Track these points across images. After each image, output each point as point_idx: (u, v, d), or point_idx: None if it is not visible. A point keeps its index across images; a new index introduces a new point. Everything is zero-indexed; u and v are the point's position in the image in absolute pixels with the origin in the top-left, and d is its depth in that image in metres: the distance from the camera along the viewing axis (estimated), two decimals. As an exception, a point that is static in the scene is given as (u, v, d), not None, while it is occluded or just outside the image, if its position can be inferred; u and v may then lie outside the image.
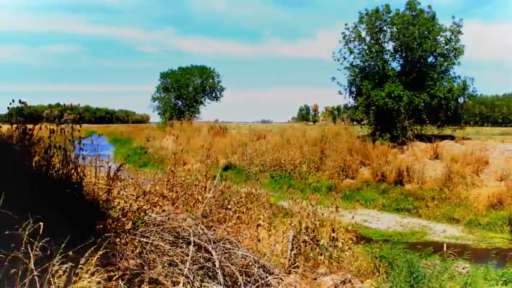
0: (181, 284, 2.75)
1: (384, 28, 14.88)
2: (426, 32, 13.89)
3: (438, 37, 14.17)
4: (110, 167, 3.44)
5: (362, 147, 13.85)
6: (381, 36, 14.90)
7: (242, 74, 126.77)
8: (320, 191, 10.82)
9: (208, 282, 2.91)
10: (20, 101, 2.99)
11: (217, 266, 3.00)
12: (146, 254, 2.95)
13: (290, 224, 4.81)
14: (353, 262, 4.54)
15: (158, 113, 28.09)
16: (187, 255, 2.96)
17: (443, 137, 14.13)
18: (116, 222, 3.09)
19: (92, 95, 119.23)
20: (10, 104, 3.04)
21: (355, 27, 15.18)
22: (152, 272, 2.74)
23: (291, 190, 7.09)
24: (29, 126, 3.04)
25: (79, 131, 3.24)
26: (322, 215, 5.24)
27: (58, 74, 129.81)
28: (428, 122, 14.50)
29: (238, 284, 3.03)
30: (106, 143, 27.36)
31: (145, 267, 2.76)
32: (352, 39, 15.18)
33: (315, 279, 3.89)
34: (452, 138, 14.09)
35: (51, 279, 2.13)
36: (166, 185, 4.57)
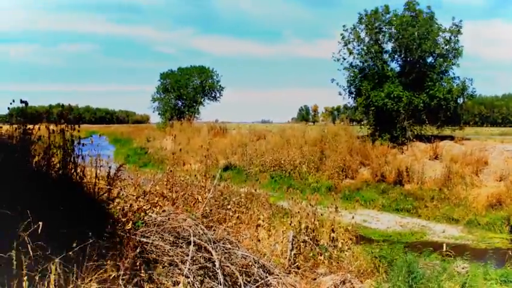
0: (181, 284, 2.76)
1: (384, 29, 14.91)
2: (425, 33, 13.92)
3: (438, 38, 14.20)
4: (110, 167, 3.45)
5: (362, 148, 13.87)
6: (380, 36, 14.93)
7: (258, 74, 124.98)
8: (319, 191, 10.82)
9: (208, 282, 2.91)
10: (21, 100, 2.99)
11: (217, 266, 3.01)
12: (147, 254, 2.96)
13: (290, 224, 4.81)
14: (352, 262, 4.55)
15: (159, 114, 28.15)
16: (187, 255, 2.97)
17: (443, 138, 14.16)
18: (116, 223, 3.09)
19: (99, 95, 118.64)
20: (10, 104, 3.04)
21: (354, 28, 15.22)
22: (153, 272, 2.74)
23: (291, 190, 7.10)
24: (29, 126, 3.04)
25: (78, 131, 3.24)
26: (322, 215, 5.25)
27: (69, 74, 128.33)
28: (427, 122, 14.52)
29: (238, 284, 3.04)
30: (106, 143, 27.40)
31: (145, 267, 2.76)
32: (351, 39, 15.22)
33: (315, 279, 3.89)
34: (451, 138, 14.11)
35: (51, 280, 2.13)
36: (166, 185, 4.57)
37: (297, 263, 4.23)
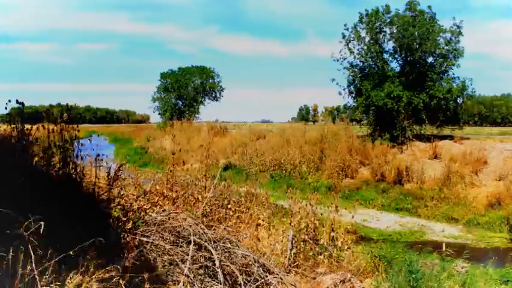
0: (181, 283, 2.76)
1: (384, 29, 14.91)
2: (426, 33, 13.92)
3: (438, 38, 14.20)
4: (110, 167, 3.45)
5: (362, 147, 13.88)
6: (381, 36, 14.94)
7: (275, 73, 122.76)
8: (319, 191, 10.83)
9: (208, 282, 2.92)
10: (17, 101, 2.99)
11: (217, 265, 3.01)
12: (147, 253, 2.96)
13: (290, 224, 4.82)
14: (352, 261, 4.56)
15: (159, 113, 28.14)
16: (188, 255, 2.97)
17: (442, 137, 14.17)
18: (116, 222, 3.09)
19: (105, 95, 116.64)
20: (7, 104, 3.04)
21: (354, 27, 15.22)
22: (153, 271, 2.75)
23: (291, 190, 7.10)
24: (28, 126, 3.04)
25: (78, 130, 3.24)
26: (322, 214, 5.25)
27: (80, 74, 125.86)
28: (427, 122, 14.54)
29: (238, 283, 3.04)
30: (106, 142, 27.40)
31: (146, 267, 2.76)
32: (352, 39, 15.22)
33: (315, 278, 3.90)
34: (451, 138, 14.13)
35: (51, 279, 2.13)
36: (167, 184, 4.57)
37: (296, 262, 4.24)
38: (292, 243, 4.30)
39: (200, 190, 4.76)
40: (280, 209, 7.29)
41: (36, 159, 3.03)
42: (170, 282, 2.79)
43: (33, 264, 2.08)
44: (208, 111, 49.70)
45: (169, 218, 3.42)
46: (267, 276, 3.31)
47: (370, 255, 5.13)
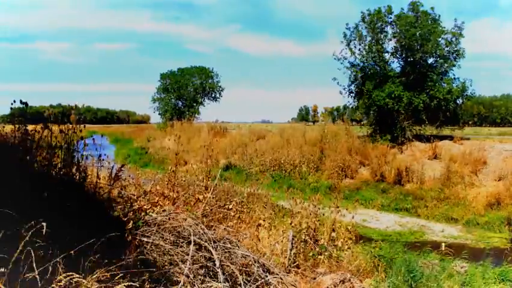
0: (181, 283, 2.78)
1: (386, 29, 14.94)
2: (427, 34, 13.94)
3: (440, 39, 14.23)
4: (111, 167, 3.46)
5: (361, 148, 13.90)
6: (382, 36, 14.96)
7: (285, 73, 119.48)
8: (319, 191, 10.85)
9: (208, 282, 2.94)
10: (21, 101, 3.01)
11: (217, 265, 3.03)
12: (147, 253, 2.98)
13: (290, 224, 4.83)
14: (352, 261, 4.57)
15: (159, 114, 28.18)
16: (188, 255, 2.99)
17: (442, 137, 14.20)
18: (117, 222, 3.11)
19: (107, 95, 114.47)
20: (12, 104, 3.06)
21: (356, 27, 15.24)
22: (153, 271, 2.76)
23: (291, 190, 7.13)
24: (32, 126, 3.06)
25: (81, 131, 3.26)
26: (323, 214, 5.27)
27: (91, 73, 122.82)
28: (427, 122, 14.56)
29: (238, 283, 3.06)
30: (107, 143, 27.39)
31: (146, 267, 2.78)
32: (353, 38, 15.25)
33: (315, 278, 3.92)
34: (450, 138, 14.15)
35: (53, 280, 2.15)
36: (167, 184, 4.59)
37: (297, 262, 4.25)
38: (292, 243, 4.31)
39: (200, 190, 4.77)
40: (281, 209, 7.30)
41: (38, 159, 3.05)
42: (170, 282, 2.80)
43: (35, 265, 2.09)
44: (208, 112, 49.73)
45: (169, 218, 3.44)
46: (267, 276, 3.32)
47: (370, 255, 5.14)
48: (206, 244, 3.17)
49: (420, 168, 12.21)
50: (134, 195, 3.73)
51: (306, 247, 4.63)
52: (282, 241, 4.45)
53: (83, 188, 3.15)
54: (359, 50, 15.15)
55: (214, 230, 3.70)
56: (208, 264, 3.05)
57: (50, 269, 2.16)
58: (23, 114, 3.06)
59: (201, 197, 4.45)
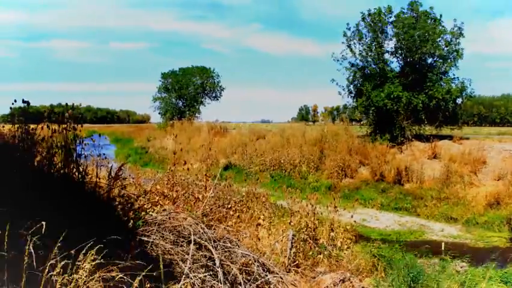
0: (181, 283, 2.78)
1: (386, 29, 14.94)
2: (426, 34, 13.95)
3: (439, 39, 14.23)
4: (111, 167, 3.47)
5: (361, 147, 13.91)
6: (382, 37, 14.97)
7: (299, 73, 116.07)
8: (319, 191, 10.87)
9: (208, 281, 2.94)
10: (23, 100, 3.02)
11: (218, 264, 3.04)
12: (148, 252, 2.98)
13: (290, 223, 4.84)
14: (351, 261, 4.58)
15: (159, 113, 28.18)
16: (188, 254, 2.99)
17: (442, 137, 14.20)
18: (117, 221, 3.11)
19: (107, 95, 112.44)
20: (12, 104, 3.07)
21: (356, 27, 15.25)
22: (154, 270, 2.77)
23: (291, 190, 7.13)
24: (32, 126, 3.06)
25: (80, 130, 3.27)
26: (321, 214, 5.28)
27: (100, 73, 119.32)
28: (426, 122, 14.57)
29: (238, 282, 3.06)
30: (107, 142, 27.41)
31: (146, 266, 2.78)
32: (353, 38, 15.26)
33: (314, 277, 3.92)
34: (450, 138, 14.16)
35: (53, 278, 2.15)
36: (167, 184, 4.60)
37: (296, 262, 4.26)
38: (292, 242, 4.32)
39: (200, 190, 4.78)
40: (280, 209, 7.31)
41: (38, 158, 3.05)
42: (170, 281, 2.81)
43: (35, 264, 2.10)
44: (208, 111, 49.75)
45: (169, 217, 3.45)
46: (267, 276, 3.33)
47: (369, 254, 5.15)
48: (206, 243, 3.17)
49: (419, 167, 12.22)
50: (135, 194, 3.73)
51: (305, 246, 4.64)
52: (281, 240, 4.46)
53: (84, 188, 3.16)
54: (359, 50, 15.18)
55: (214, 229, 3.71)
56: (208, 263, 3.06)
57: (50, 268, 2.17)
58: (23, 114, 3.06)
59: (200, 196, 4.46)
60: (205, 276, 2.98)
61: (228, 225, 4.13)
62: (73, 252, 2.30)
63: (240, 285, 3.05)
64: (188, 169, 6.08)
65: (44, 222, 2.20)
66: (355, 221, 6.05)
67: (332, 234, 4.94)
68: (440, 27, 14.23)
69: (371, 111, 14.98)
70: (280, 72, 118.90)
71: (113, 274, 2.44)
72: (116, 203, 3.34)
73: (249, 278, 3.21)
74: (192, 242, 3.10)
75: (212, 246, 3.16)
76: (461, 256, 5.36)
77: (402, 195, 11.57)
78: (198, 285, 2.86)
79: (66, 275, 2.18)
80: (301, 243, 4.63)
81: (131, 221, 3.20)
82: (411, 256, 4.50)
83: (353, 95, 15.86)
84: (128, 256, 2.73)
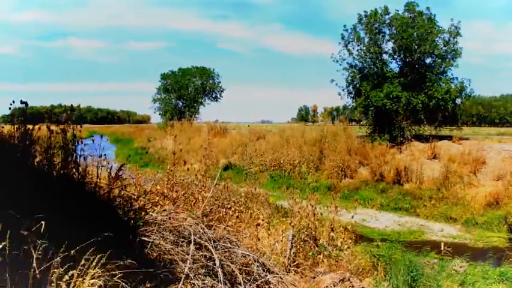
0: (181, 283, 2.78)
1: (383, 30, 14.97)
2: (424, 34, 13.98)
3: (437, 39, 14.26)
4: (111, 167, 3.47)
5: (361, 147, 13.92)
6: (380, 37, 14.99)
7: (321, 72, 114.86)
8: (318, 191, 10.87)
9: (208, 281, 2.95)
10: (21, 101, 3.02)
11: (218, 264, 3.04)
12: (148, 253, 2.99)
13: (290, 224, 4.85)
14: (351, 261, 4.59)
15: (159, 114, 28.19)
16: (188, 254, 3.00)
17: (441, 137, 14.23)
18: (117, 222, 3.11)
19: (107, 95, 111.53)
20: (11, 104, 3.07)
21: (354, 28, 15.28)
22: (153, 271, 2.77)
23: (291, 190, 7.13)
24: (30, 126, 3.06)
25: (80, 131, 3.27)
26: (321, 214, 5.28)
27: (110, 73, 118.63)
28: (425, 122, 14.59)
29: (238, 282, 3.07)
30: (107, 143, 27.38)
31: (147, 266, 2.79)
32: (351, 40, 15.29)
33: (314, 277, 3.93)
34: (449, 138, 14.18)
35: (53, 279, 2.15)
36: (167, 184, 4.60)
37: (296, 262, 4.26)
38: (292, 242, 4.33)
39: (200, 190, 4.78)
40: (280, 209, 7.32)
41: (37, 159, 3.05)
42: (171, 281, 2.81)
43: (34, 264, 2.10)
44: (208, 112, 49.74)
45: (169, 217, 3.45)
46: (266, 276, 3.33)
47: (369, 254, 5.16)
48: (206, 243, 3.18)
49: (419, 168, 12.24)
50: (135, 194, 3.73)
51: (305, 246, 4.64)
52: (281, 240, 4.46)
53: (84, 188, 3.16)
54: (357, 51, 15.21)
55: (214, 229, 3.71)
56: (208, 263, 3.06)
57: (50, 268, 2.17)
58: (23, 114, 3.06)
59: (200, 196, 4.46)
60: (205, 276, 2.98)
61: (227, 226, 4.13)
62: (72, 252, 2.30)
63: (240, 285, 3.06)
64: (188, 169, 6.08)
65: (43, 223, 2.20)
66: (355, 221, 6.06)
67: (331, 234, 4.95)
68: (436, 27, 14.27)
69: (370, 112, 15.00)
70: (293, 72, 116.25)
71: (114, 274, 2.44)
72: (117, 203, 3.34)
73: (249, 278, 3.22)
74: (192, 242, 3.10)
75: (212, 246, 3.17)
76: (461, 256, 5.37)
77: (402, 195, 11.58)
78: (198, 286, 2.86)
79: (66, 275, 2.18)
80: (301, 243, 4.64)
81: (132, 221, 3.20)
82: (411, 256, 4.51)
83: (352, 95, 15.90)
84: (128, 256, 2.73)
